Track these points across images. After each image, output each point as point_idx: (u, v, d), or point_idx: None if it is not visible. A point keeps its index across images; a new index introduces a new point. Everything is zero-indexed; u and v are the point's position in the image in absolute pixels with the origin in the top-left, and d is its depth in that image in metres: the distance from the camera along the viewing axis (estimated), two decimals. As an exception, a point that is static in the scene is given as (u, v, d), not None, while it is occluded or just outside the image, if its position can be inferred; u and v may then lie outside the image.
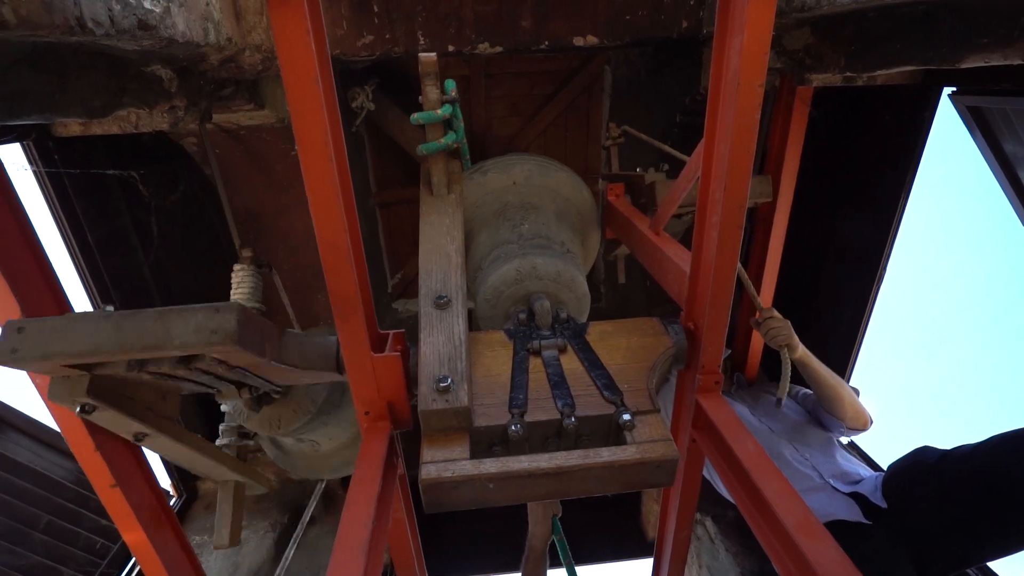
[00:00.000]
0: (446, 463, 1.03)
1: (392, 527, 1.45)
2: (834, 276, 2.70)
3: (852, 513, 1.76)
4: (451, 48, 2.15)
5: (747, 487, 1.10)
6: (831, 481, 1.92)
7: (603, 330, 1.42)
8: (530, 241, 1.81)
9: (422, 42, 2.17)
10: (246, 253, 1.85)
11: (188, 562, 2.00)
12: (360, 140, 3.03)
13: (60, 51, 1.18)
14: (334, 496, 2.90)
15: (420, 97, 1.41)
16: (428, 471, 1.01)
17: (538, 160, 2.20)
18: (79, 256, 2.14)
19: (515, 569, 3.61)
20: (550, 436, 1.16)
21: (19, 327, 0.96)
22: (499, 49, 2.12)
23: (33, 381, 1.37)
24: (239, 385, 1.36)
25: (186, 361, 1.06)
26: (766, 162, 2.38)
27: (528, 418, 1.13)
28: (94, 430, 1.38)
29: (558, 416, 1.13)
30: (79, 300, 2.31)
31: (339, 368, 1.31)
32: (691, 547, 2.54)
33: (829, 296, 2.74)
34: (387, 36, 2.12)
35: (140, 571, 2.42)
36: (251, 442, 1.87)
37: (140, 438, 1.30)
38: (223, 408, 1.79)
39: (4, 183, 1.22)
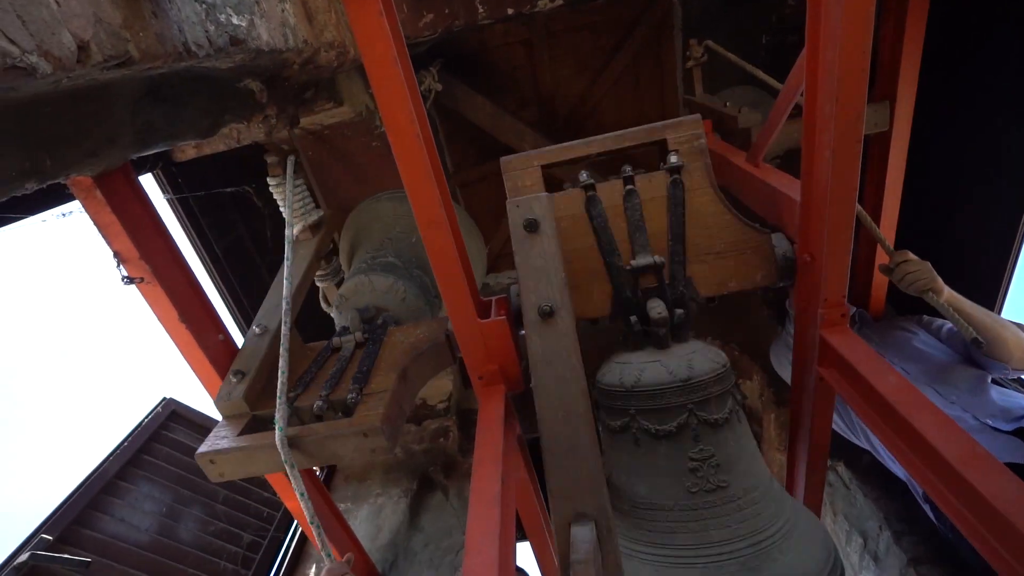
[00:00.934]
0: None
1: (517, 485, 1.52)
2: (972, 203, 2.32)
3: (1021, 454, 1.54)
4: (510, 11, 2.09)
5: (895, 423, 1.01)
6: (989, 421, 1.69)
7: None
8: None
9: (480, 10, 2.14)
10: (271, 160, 1.97)
11: (339, 524, 2.25)
12: (432, 122, 3.09)
13: (171, 80, 1.30)
14: (455, 462, 3.09)
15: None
16: None
17: None
18: (211, 266, 2.41)
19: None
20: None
21: (211, 459, 1.30)
22: (559, 1, 2.03)
23: (204, 386, 1.60)
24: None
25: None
26: (875, 87, 2.04)
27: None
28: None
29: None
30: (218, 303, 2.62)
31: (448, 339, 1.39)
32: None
33: (968, 228, 2.36)
34: (446, 11, 2.11)
35: (302, 532, 2.76)
36: None
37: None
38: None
39: (152, 213, 1.40)
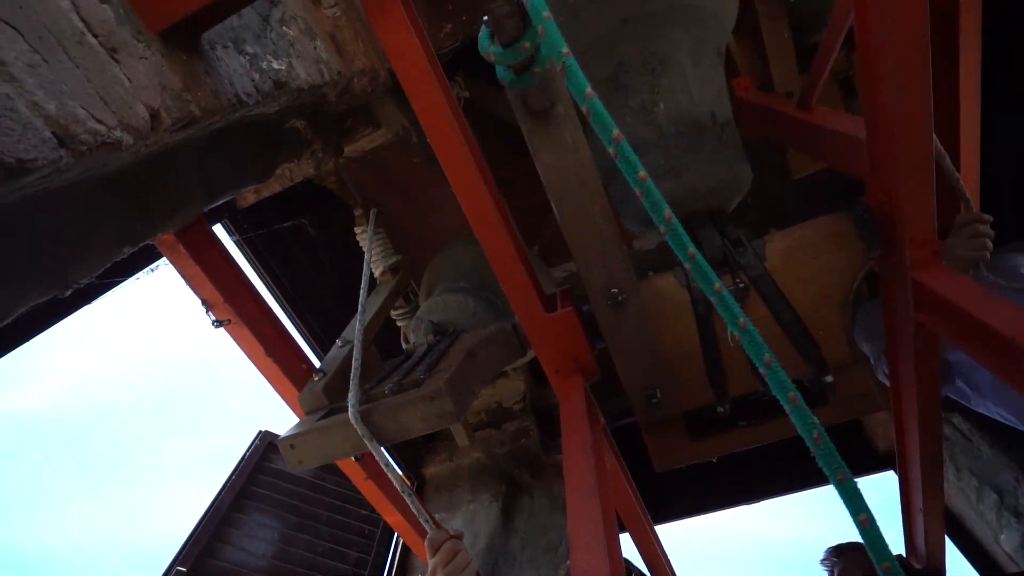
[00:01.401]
0: (671, 453, 1.24)
1: (610, 474, 1.51)
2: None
3: None
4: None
5: (1018, 359, 0.92)
6: None
7: (785, 248, 1.26)
8: (675, 138, 1.36)
9: (488, 21, 2.15)
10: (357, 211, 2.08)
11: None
12: (466, 129, 3.13)
13: (226, 133, 1.39)
14: (539, 461, 3.11)
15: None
16: (661, 464, 1.31)
17: None
18: (283, 300, 2.55)
19: (733, 504, 3.53)
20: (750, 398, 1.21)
21: (291, 444, 1.29)
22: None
23: (296, 414, 1.69)
24: None
25: None
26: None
27: (731, 392, 1.21)
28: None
29: (759, 387, 1.19)
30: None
31: (517, 332, 1.41)
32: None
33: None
34: (464, 18, 2.13)
35: (404, 545, 2.86)
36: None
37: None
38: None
39: (229, 259, 1.50)
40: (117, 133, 0.77)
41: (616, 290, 1.17)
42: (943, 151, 1.31)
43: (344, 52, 1.73)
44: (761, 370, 0.78)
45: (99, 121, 0.74)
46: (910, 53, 0.92)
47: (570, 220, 1.17)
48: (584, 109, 0.73)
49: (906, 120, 0.98)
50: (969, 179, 1.92)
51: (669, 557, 2.04)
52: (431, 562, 1.13)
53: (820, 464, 0.72)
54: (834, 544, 1.88)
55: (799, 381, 1.13)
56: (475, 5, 2.06)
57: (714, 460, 1.18)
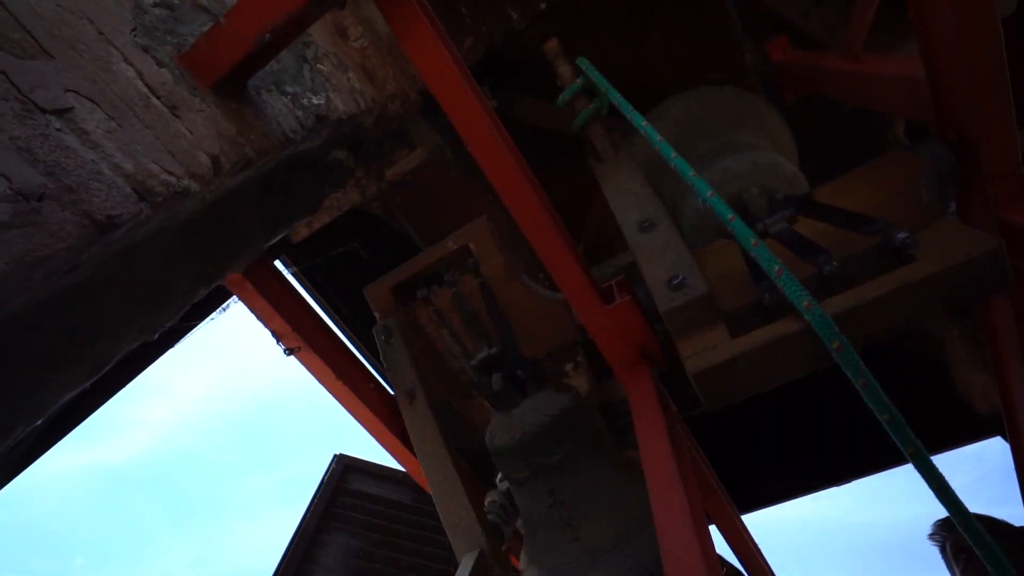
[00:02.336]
0: (707, 350, 0.96)
1: (689, 464, 1.46)
2: None
3: None
4: (543, 6, 2.10)
5: None
6: None
7: (834, 188, 1.21)
8: (713, 154, 1.65)
9: (514, 16, 2.17)
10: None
11: (515, 540, 2.31)
12: (497, 137, 3.16)
13: (277, 172, 1.47)
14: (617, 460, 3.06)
15: (558, 82, 1.55)
16: (694, 363, 0.95)
17: (692, 94, 1.98)
18: (344, 325, 2.65)
19: (821, 486, 3.35)
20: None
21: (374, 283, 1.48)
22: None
23: (370, 432, 1.75)
24: (491, 343, 1.54)
25: (455, 269, 1.45)
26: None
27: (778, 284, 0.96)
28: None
29: (815, 270, 0.97)
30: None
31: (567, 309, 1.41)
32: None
33: None
34: (483, 29, 2.17)
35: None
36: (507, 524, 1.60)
37: (412, 396, 1.49)
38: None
39: (292, 291, 1.58)
40: (186, 182, 0.83)
41: (647, 221, 1.22)
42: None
43: (375, 79, 1.79)
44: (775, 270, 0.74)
45: (170, 173, 0.80)
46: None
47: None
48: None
49: (972, 46, 0.91)
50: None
51: (761, 550, 1.96)
52: None
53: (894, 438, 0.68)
54: (944, 517, 1.74)
55: (873, 250, 0.98)
56: (492, 16, 2.09)
57: (767, 377, 0.94)
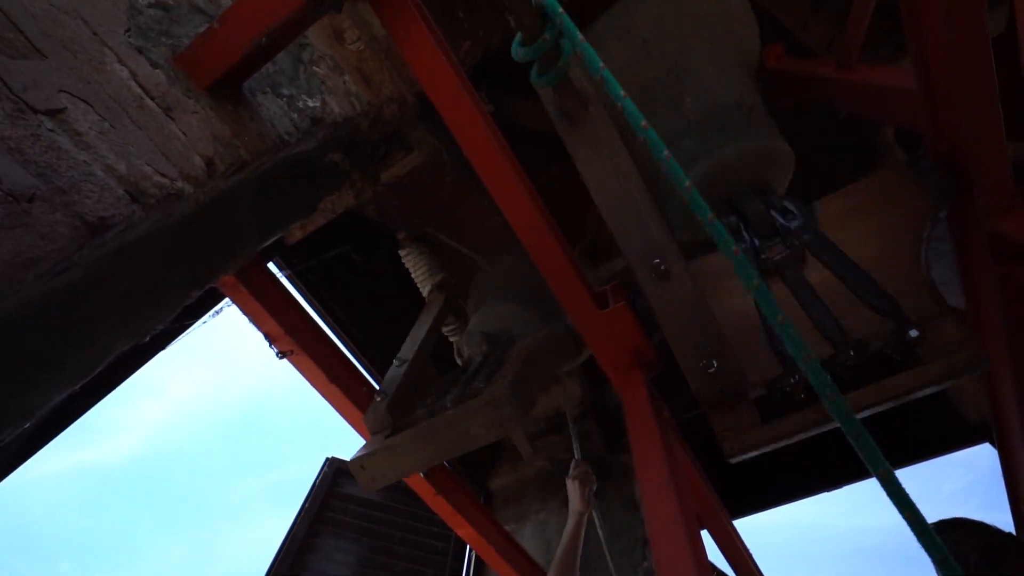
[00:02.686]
0: (740, 434, 1.10)
1: (682, 469, 1.47)
2: None
3: None
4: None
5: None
6: None
7: (840, 208, 1.21)
8: (703, 124, 1.49)
9: (512, 20, 2.17)
10: (400, 235, 2.14)
11: (510, 543, 2.30)
12: (493, 141, 3.16)
13: (272, 175, 1.46)
14: (604, 462, 3.06)
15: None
16: (730, 447, 1.13)
17: (651, 29, 1.61)
18: (337, 328, 2.64)
19: (813, 492, 3.36)
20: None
21: (361, 465, 1.34)
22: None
23: (361, 435, 1.73)
24: None
25: None
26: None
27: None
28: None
29: (831, 352, 1.07)
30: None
31: (570, 332, 1.40)
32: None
33: None
34: (480, 33, 2.17)
35: (478, 558, 2.87)
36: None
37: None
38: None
39: (286, 294, 1.57)
40: (179, 184, 0.82)
41: (659, 260, 1.15)
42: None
43: (372, 83, 1.79)
44: (801, 366, 0.79)
45: (163, 175, 0.79)
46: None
47: (608, 201, 1.20)
48: (618, 107, 0.76)
49: (963, 61, 0.92)
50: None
51: (752, 555, 1.96)
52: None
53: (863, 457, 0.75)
54: (941, 520, 1.74)
55: (879, 342, 1.04)
56: (490, 20, 2.09)
57: (791, 442, 1.10)
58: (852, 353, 1.03)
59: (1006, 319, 1.18)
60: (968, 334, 0.95)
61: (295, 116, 1.23)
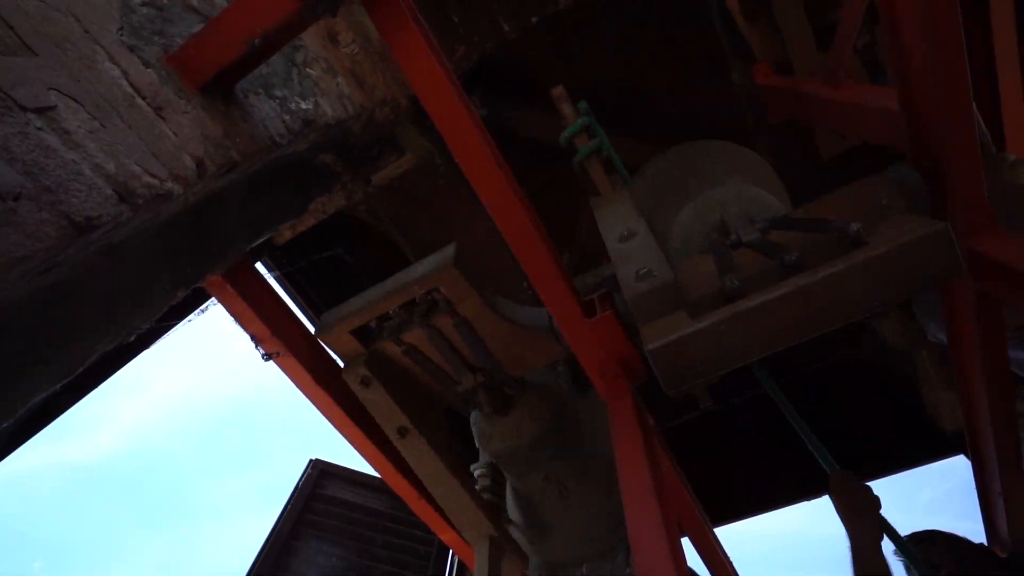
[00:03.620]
0: (668, 330, 0.97)
1: (665, 477, 1.48)
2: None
3: None
4: (534, 19, 2.14)
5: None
6: None
7: (807, 209, 1.24)
8: (699, 187, 1.61)
9: (506, 28, 2.19)
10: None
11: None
12: (486, 146, 3.17)
13: (263, 175, 1.46)
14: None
15: (562, 122, 1.60)
16: (653, 342, 0.95)
17: (689, 143, 1.72)
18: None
19: (793, 501, 3.40)
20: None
21: (326, 314, 1.47)
22: (582, -11, 2.03)
23: (348, 439, 1.73)
24: (474, 370, 1.54)
25: (425, 314, 1.43)
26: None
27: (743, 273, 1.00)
28: (397, 462, 1.67)
29: (775, 260, 0.99)
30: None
31: (553, 331, 1.41)
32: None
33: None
34: (475, 39, 2.18)
35: (460, 562, 2.86)
36: (500, 503, 1.89)
37: (403, 433, 1.52)
38: (476, 465, 1.93)
39: (274, 294, 1.56)
40: (168, 184, 0.82)
41: (643, 266, 1.16)
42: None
43: (365, 85, 1.79)
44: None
45: (152, 175, 0.79)
46: (940, 9, 0.90)
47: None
48: None
49: (942, 82, 0.95)
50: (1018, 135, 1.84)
51: (732, 562, 1.98)
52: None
53: None
54: (916, 533, 1.77)
55: (830, 239, 0.97)
56: (484, 25, 2.11)
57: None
58: (794, 255, 0.96)
59: (981, 336, 1.21)
60: (919, 218, 0.91)
61: (287, 118, 1.23)
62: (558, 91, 1.56)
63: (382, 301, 1.41)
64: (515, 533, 1.84)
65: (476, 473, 1.93)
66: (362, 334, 1.49)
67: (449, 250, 1.40)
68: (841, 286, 0.89)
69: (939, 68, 0.92)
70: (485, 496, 1.83)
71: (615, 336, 1.22)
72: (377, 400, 1.47)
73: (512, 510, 1.91)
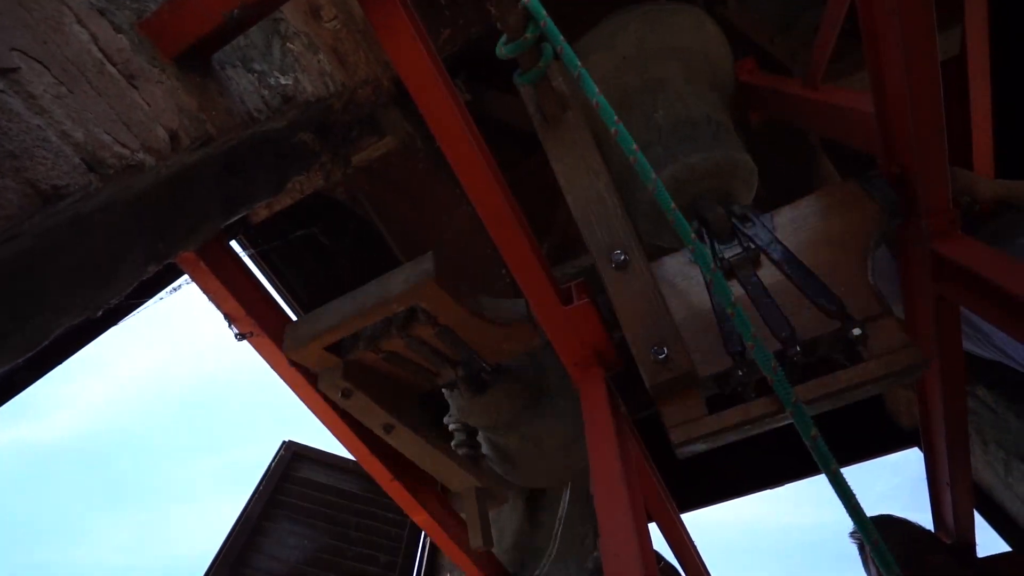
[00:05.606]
0: (687, 424, 1.11)
1: (635, 464, 1.51)
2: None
3: None
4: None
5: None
6: None
7: (794, 217, 1.27)
8: (672, 134, 1.59)
9: (494, 12, 2.17)
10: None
11: (464, 531, 2.33)
12: (469, 131, 3.14)
13: (240, 151, 1.42)
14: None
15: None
16: (677, 436, 1.12)
17: (645, 12, 1.74)
18: (299, 306, 2.59)
19: (757, 488, 3.52)
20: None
21: (293, 327, 1.41)
22: (571, -22, 2.01)
23: (322, 421, 1.72)
24: (454, 363, 1.53)
25: (405, 326, 1.38)
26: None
27: (749, 356, 1.12)
28: (370, 444, 1.67)
29: (780, 347, 1.10)
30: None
31: (531, 320, 1.42)
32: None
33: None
34: (460, 22, 2.15)
35: (432, 543, 2.89)
36: (479, 452, 2.07)
37: (389, 430, 1.53)
38: (449, 417, 2.00)
39: (248, 273, 1.53)
40: (140, 155, 0.79)
41: (619, 251, 1.19)
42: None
43: (347, 64, 1.76)
44: (748, 343, 0.85)
45: (123, 145, 0.76)
46: (917, 19, 0.92)
47: (577, 197, 1.25)
48: (593, 103, 0.78)
49: (915, 89, 0.97)
50: (982, 154, 1.91)
51: (697, 547, 2.04)
52: None
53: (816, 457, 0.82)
54: (874, 516, 1.87)
55: (825, 339, 1.08)
56: (471, 10, 2.08)
57: (737, 437, 1.14)
58: (799, 349, 1.08)
59: (939, 336, 1.27)
60: (908, 340, 1.01)
61: (266, 93, 1.20)
62: None
63: (358, 318, 1.35)
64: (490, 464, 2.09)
65: (450, 427, 2.03)
66: (336, 347, 1.45)
67: (428, 263, 1.31)
68: (833, 400, 1.06)
69: (914, 77, 0.95)
70: (461, 452, 1.98)
71: (591, 325, 1.24)
72: (360, 406, 1.47)
73: (487, 451, 2.11)
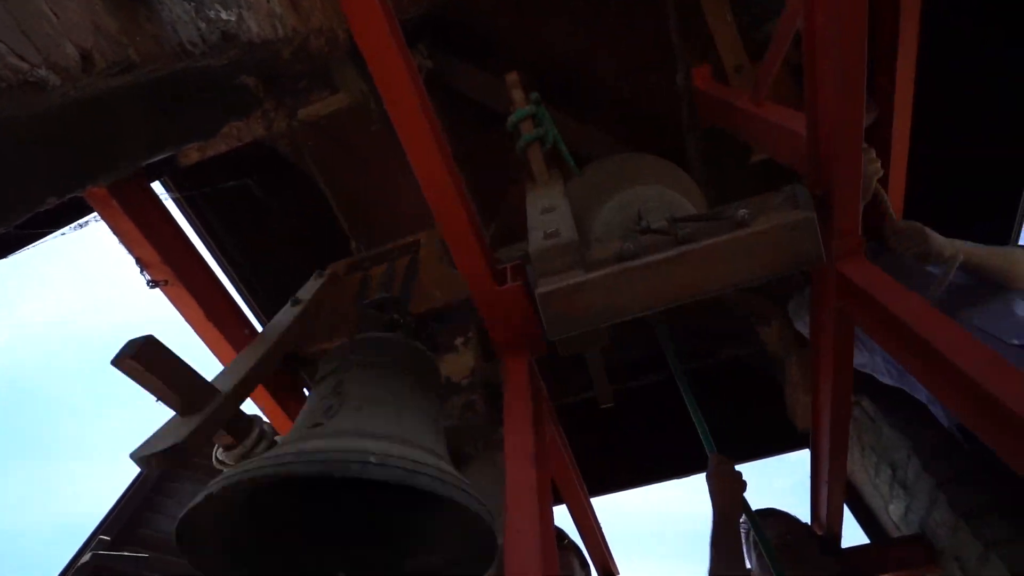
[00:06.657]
0: (562, 278, 1.07)
1: (549, 446, 1.56)
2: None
3: None
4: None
5: (914, 344, 1.02)
6: (1016, 340, 1.65)
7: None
8: (631, 184, 1.71)
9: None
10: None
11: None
12: (427, 101, 3.06)
13: (172, 85, 1.32)
14: (488, 435, 3.16)
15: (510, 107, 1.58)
16: (545, 285, 1.05)
17: (629, 155, 1.91)
18: (227, 265, 2.46)
19: (665, 477, 3.74)
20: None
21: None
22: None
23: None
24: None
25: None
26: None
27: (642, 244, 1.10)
28: (280, 400, 1.62)
29: (669, 226, 1.11)
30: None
31: None
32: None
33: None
34: (428, -17, 2.08)
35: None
36: None
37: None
38: None
39: (168, 217, 1.43)
40: (42, 72, 0.72)
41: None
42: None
43: (300, 8, 1.66)
44: None
45: (20, 57, 0.69)
46: (851, 53, 0.99)
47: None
48: None
49: (842, 121, 1.05)
50: (896, 190, 2.09)
51: (603, 529, 2.16)
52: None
53: None
54: (759, 509, 2.06)
55: (719, 221, 1.11)
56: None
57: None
58: (687, 230, 1.08)
59: (834, 347, 1.38)
60: (794, 210, 1.06)
61: (203, 26, 1.11)
62: (511, 78, 1.57)
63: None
64: None
65: None
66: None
67: None
68: (720, 256, 1.04)
69: (843, 107, 1.02)
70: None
71: (521, 307, 1.26)
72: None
73: None
